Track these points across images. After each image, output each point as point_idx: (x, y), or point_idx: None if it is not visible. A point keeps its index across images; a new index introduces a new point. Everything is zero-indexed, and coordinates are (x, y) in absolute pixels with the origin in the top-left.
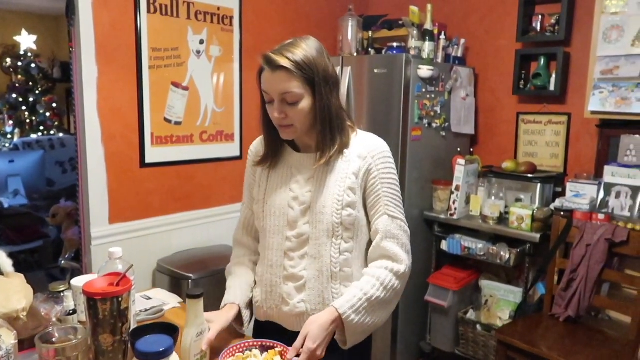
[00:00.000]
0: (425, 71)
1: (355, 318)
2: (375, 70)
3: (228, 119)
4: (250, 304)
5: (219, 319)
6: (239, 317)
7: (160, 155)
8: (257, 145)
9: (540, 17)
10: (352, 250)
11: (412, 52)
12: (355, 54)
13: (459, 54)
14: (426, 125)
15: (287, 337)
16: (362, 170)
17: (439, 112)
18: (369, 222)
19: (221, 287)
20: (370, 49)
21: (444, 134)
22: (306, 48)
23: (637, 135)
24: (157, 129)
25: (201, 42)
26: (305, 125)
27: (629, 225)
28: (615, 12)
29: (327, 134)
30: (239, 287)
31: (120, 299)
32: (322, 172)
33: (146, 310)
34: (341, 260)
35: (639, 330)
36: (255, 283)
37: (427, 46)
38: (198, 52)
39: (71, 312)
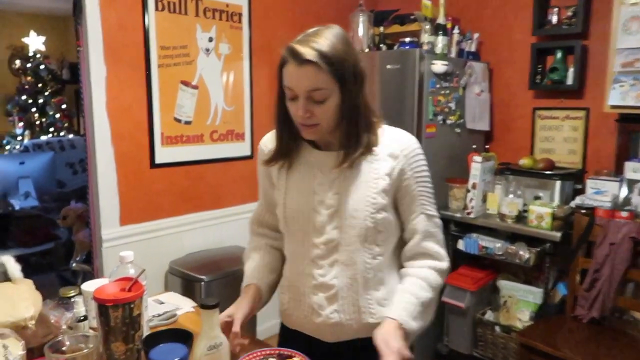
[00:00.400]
0: (439, 66)
1: (414, 324)
2: (388, 66)
3: (238, 117)
4: (271, 287)
5: (240, 308)
6: (257, 298)
7: (171, 156)
8: (267, 142)
9: (556, 9)
10: (384, 252)
11: (425, 47)
12: (366, 50)
13: (473, 49)
14: (440, 122)
15: (316, 347)
16: (395, 170)
17: (453, 108)
18: (397, 220)
19: (235, 288)
20: (381, 45)
21: (458, 131)
22: (333, 39)
23: None
24: (167, 129)
25: (210, 39)
26: (330, 125)
27: None
28: (635, 3)
29: (353, 133)
30: (256, 270)
31: (132, 305)
32: (348, 172)
33: (159, 315)
34: (375, 265)
35: None
36: (276, 287)
37: (440, 41)
38: (207, 50)
39: (82, 318)
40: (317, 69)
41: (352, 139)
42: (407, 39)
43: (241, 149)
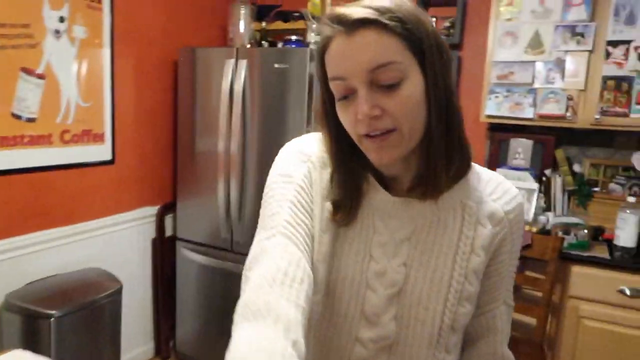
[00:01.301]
0: None
1: None
2: (276, 65)
3: (96, 115)
4: None
5: None
6: None
7: (7, 161)
8: (316, 163)
9: (433, 19)
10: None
11: (312, 47)
12: (248, 46)
13: None
14: None
15: None
16: (494, 241)
17: None
18: None
19: (95, 324)
20: (263, 42)
21: None
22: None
23: (524, 139)
24: (2, 127)
25: (61, 19)
26: (415, 129)
27: (532, 229)
28: (509, 19)
29: (442, 148)
30: None
31: None
32: (427, 229)
33: None
34: None
35: (544, 331)
36: None
37: None
38: (57, 32)
39: None
40: (380, 32)
41: (441, 157)
42: (294, 37)
43: (100, 152)
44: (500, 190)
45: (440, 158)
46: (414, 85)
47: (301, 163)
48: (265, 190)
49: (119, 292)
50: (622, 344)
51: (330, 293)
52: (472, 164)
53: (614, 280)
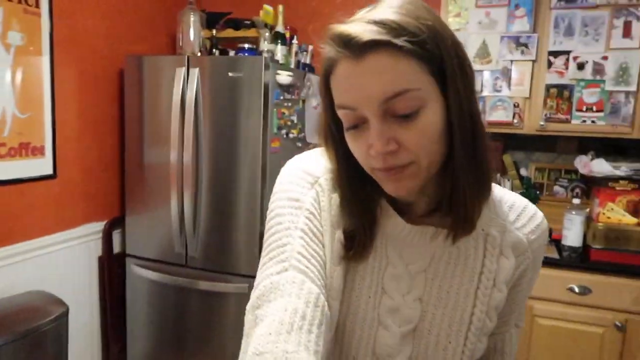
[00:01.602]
0: (284, 77)
1: None
2: (230, 74)
3: (36, 127)
4: None
5: None
6: None
7: None
8: (324, 187)
9: None
10: None
11: (265, 56)
12: (198, 54)
13: (308, 61)
14: (284, 136)
15: None
16: (516, 273)
17: (295, 121)
18: None
19: (39, 352)
20: (214, 50)
21: (300, 145)
22: (405, 4)
23: None
24: None
25: None
26: (435, 159)
27: None
28: (457, 29)
29: (468, 177)
30: None
31: None
32: (446, 260)
33: None
34: None
35: None
36: None
37: (280, 50)
38: None
39: None
40: (394, 55)
41: (465, 187)
42: (246, 45)
43: (40, 166)
44: (525, 217)
45: (469, 188)
46: (433, 112)
47: (308, 185)
48: (271, 214)
49: (64, 315)
50: (574, 339)
51: (340, 330)
52: (493, 185)
53: (563, 279)
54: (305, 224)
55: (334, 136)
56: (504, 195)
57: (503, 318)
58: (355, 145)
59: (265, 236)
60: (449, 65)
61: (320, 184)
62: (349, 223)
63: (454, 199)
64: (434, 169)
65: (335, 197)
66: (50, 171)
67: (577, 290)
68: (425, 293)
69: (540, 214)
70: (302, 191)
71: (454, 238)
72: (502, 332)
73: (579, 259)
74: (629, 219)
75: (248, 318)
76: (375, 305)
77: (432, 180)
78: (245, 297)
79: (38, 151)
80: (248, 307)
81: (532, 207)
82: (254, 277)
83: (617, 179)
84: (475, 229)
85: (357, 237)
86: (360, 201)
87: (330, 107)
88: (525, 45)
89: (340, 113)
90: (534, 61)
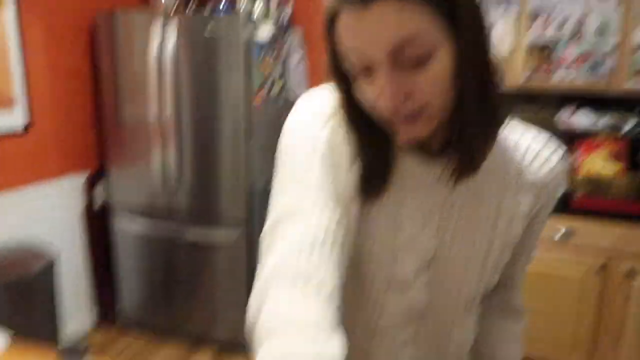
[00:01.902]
0: (265, 33)
1: None
2: (207, 30)
3: (2, 76)
4: None
5: None
6: None
7: None
8: (336, 131)
9: None
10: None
11: (242, 12)
12: (171, 15)
13: (288, 16)
14: (267, 92)
15: None
16: (532, 211)
17: (277, 77)
18: None
19: (23, 300)
20: (189, 6)
21: (281, 102)
22: None
23: None
24: None
25: None
26: (444, 106)
27: None
28: None
29: (479, 121)
30: None
31: None
32: (463, 195)
33: None
34: (470, 340)
35: None
36: None
37: (258, 5)
38: None
39: None
40: (402, 3)
41: (478, 130)
42: (223, 2)
43: (9, 120)
44: (543, 156)
45: (476, 126)
46: (444, 57)
47: (322, 124)
48: (285, 150)
49: (51, 265)
50: (553, 284)
51: (355, 261)
52: (514, 122)
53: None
54: (321, 160)
55: (342, 78)
56: (524, 133)
57: (518, 253)
58: (364, 94)
59: (279, 171)
60: (458, 13)
61: (334, 122)
62: (366, 162)
63: (461, 140)
64: (445, 113)
65: (353, 151)
66: (19, 123)
67: (558, 236)
68: (442, 227)
69: (559, 153)
70: (315, 130)
71: (457, 178)
72: (514, 266)
73: (561, 206)
74: (609, 170)
75: (266, 242)
76: (392, 237)
77: (445, 121)
78: (232, 246)
79: (7, 103)
80: (266, 228)
81: (551, 145)
82: (239, 226)
83: (597, 132)
84: (479, 169)
85: (373, 172)
86: (375, 140)
87: (333, 52)
88: (508, 1)
89: (346, 64)
90: (515, 19)
